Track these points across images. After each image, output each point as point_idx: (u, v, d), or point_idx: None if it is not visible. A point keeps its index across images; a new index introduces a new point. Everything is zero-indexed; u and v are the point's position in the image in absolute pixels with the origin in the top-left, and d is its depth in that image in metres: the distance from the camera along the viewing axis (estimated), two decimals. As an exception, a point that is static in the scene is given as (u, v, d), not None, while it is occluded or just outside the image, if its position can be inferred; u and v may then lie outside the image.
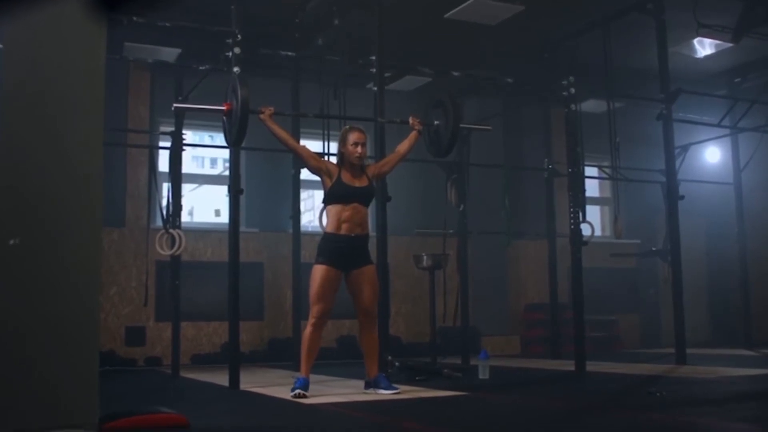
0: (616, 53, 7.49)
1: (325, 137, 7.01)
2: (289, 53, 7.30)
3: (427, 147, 5.69)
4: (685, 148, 8.23)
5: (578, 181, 6.79)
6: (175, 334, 6.82)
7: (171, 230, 6.46)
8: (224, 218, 7.92)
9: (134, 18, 5.51)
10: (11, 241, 2.58)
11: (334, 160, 5.10)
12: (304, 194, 8.77)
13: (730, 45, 7.95)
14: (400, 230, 8.32)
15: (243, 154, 7.36)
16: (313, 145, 7.36)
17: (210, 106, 5.33)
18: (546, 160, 8.78)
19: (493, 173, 8.53)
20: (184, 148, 6.90)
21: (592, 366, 6.44)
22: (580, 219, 6.64)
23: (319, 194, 5.98)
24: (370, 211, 5.09)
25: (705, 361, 7.13)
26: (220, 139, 5.39)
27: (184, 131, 6.92)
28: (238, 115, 4.78)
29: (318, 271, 4.71)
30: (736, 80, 9.33)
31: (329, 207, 4.85)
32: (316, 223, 6.51)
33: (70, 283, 2.71)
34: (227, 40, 5.52)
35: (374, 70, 6.19)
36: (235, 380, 5.33)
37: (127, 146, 7.82)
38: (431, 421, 3.82)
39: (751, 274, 9.43)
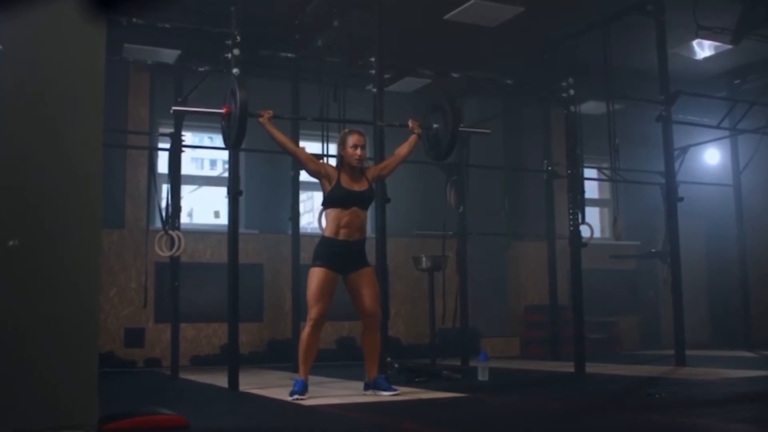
0: (615, 54, 7.50)
1: (325, 138, 7.02)
2: (289, 54, 7.30)
3: (426, 151, 5.68)
4: (685, 149, 8.25)
5: (578, 182, 6.79)
6: (175, 335, 6.82)
7: (170, 231, 6.46)
8: (224, 219, 7.91)
9: (134, 19, 5.51)
10: (10, 242, 2.57)
11: (333, 161, 5.10)
12: (303, 196, 8.76)
13: (729, 47, 7.95)
14: (399, 232, 8.32)
15: (242, 155, 7.36)
16: (313, 147, 7.39)
17: (209, 109, 5.31)
18: (546, 161, 8.78)
19: (492, 174, 8.53)
20: (184, 149, 6.90)
21: (591, 367, 6.43)
22: (580, 220, 6.65)
23: (318, 195, 5.97)
24: (370, 212, 5.08)
25: (704, 363, 7.13)
26: (219, 140, 5.39)
27: (183, 133, 6.93)
28: (236, 119, 4.76)
29: (315, 274, 4.71)
30: (736, 82, 9.34)
31: (328, 210, 4.83)
32: (316, 224, 6.52)
33: (70, 284, 2.71)
34: (227, 42, 5.51)
35: (374, 71, 6.19)
36: (234, 381, 5.33)
37: (127, 147, 7.82)
38: (431, 422, 3.82)
39: (750, 275, 9.43)
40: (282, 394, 4.86)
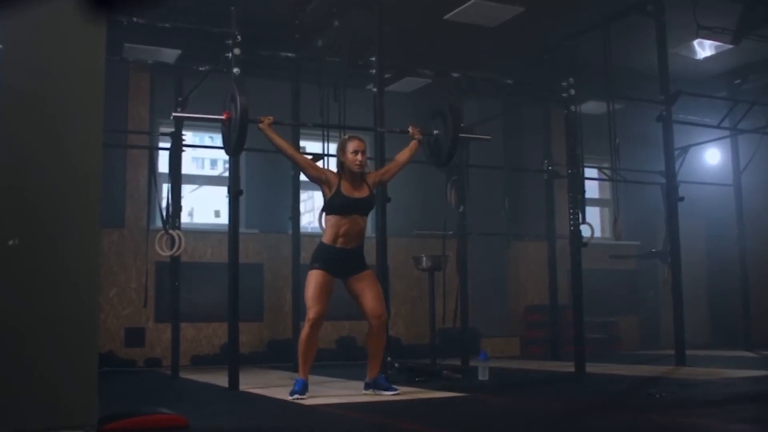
0: (616, 54, 7.49)
1: (325, 138, 7.01)
2: (289, 54, 7.29)
3: (426, 156, 5.66)
4: (685, 149, 8.24)
5: (578, 182, 6.79)
6: (175, 335, 6.82)
7: (171, 231, 6.46)
8: (224, 219, 7.91)
9: (134, 19, 5.51)
10: (10, 242, 2.58)
11: (333, 161, 5.09)
12: (303, 195, 8.76)
13: (729, 47, 7.95)
14: (399, 232, 8.32)
15: (243, 155, 7.32)
16: (313, 147, 7.39)
17: (209, 116, 5.29)
18: (546, 161, 8.78)
19: (492, 174, 8.53)
20: (184, 149, 6.90)
21: (591, 367, 6.43)
22: (580, 220, 6.65)
23: (318, 195, 5.97)
24: (371, 212, 5.07)
25: (704, 363, 7.13)
26: (219, 140, 5.38)
27: (183, 132, 6.92)
28: (237, 125, 4.74)
29: (313, 276, 4.70)
30: (736, 82, 9.34)
31: (328, 217, 4.81)
32: (316, 224, 6.51)
33: (70, 284, 2.71)
34: (227, 41, 5.51)
35: (374, 71, 6.19)
36: (234, 381, 5.33)
37: (127, 147, 7.82)
38: (430, 422, 3.82)
39: (750, 275, 9.43)
40: (282, 393, 4.86)
